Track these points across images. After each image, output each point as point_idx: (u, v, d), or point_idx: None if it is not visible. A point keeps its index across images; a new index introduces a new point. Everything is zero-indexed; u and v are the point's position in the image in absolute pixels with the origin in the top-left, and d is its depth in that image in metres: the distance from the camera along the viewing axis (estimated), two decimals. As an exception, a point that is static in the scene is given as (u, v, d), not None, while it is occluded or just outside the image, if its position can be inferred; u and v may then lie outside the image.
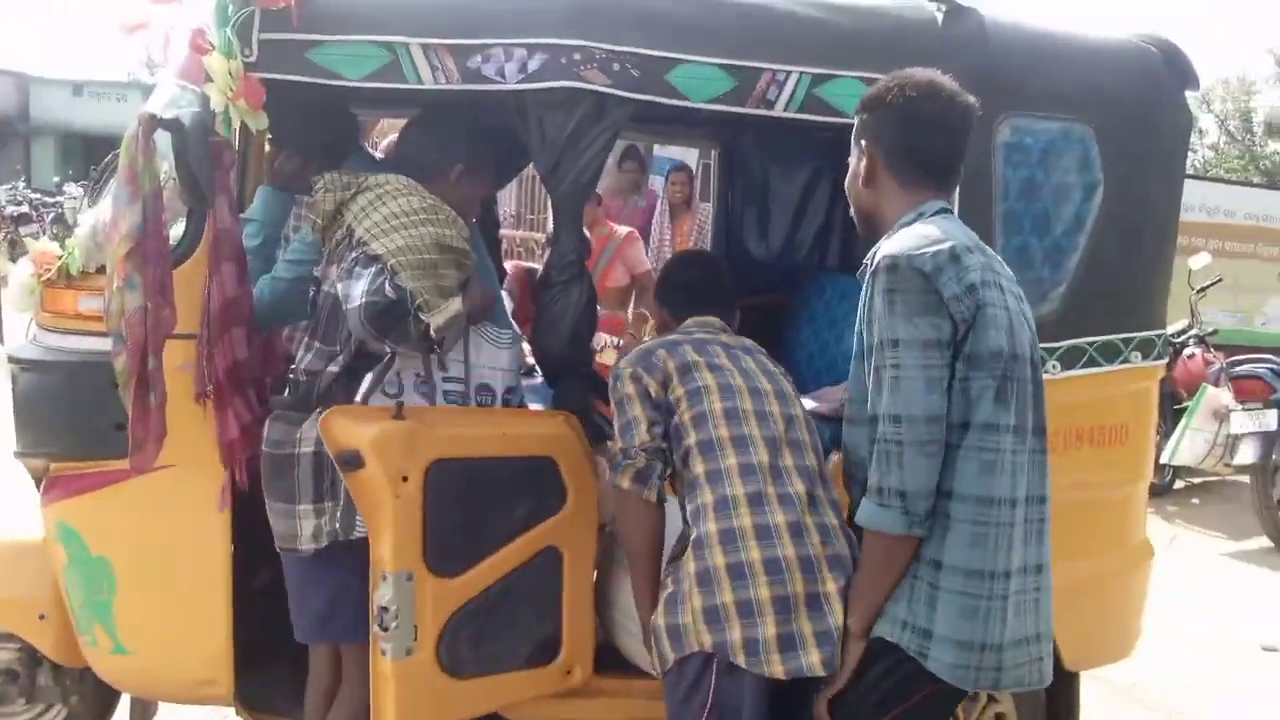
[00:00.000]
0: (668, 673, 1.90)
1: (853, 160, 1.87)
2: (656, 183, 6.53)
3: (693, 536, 1.91)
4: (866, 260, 1.77)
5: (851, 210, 1.91)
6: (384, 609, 2.02)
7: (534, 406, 2.72)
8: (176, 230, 2.28)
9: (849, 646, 1.77)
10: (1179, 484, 6.94)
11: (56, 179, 18.16)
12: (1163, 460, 5.93)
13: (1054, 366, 2.53)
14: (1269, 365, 6.27)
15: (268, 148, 2.69)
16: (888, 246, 1.70)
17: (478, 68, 2.23)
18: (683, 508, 1.99)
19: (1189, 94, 2.71)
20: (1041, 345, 1.89)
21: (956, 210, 1.91)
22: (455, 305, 2.08)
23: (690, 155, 7.57)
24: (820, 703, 1.79)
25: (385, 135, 3.90)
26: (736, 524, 1.87)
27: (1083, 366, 2.58)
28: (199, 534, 2.35)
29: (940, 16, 2.45)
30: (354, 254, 2.05)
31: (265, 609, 2.47)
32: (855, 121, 1.87)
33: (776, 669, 1.78)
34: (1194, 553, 5.66)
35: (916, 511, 1.65)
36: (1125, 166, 2.57)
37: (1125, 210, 2.59)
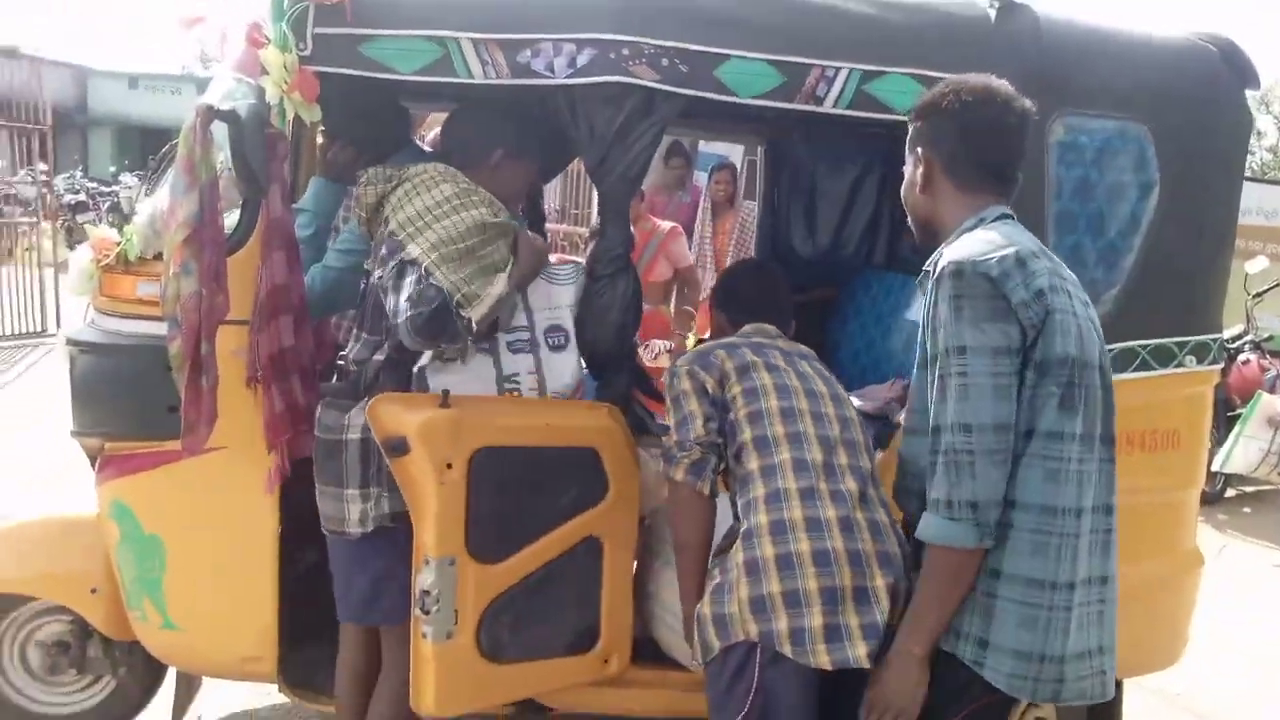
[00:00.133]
0: (711, 662, 1.90)
1: (908, 168, 1.85)
2: (701, 179, 6.50)
3: (742, 529, 1.92)
4: (927, 267, 1.75)
5: (909, 219, 1.88)
6: (426, 593, 2.05)
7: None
8: (231, 219, 2.32)
9: (909, 668, 1.69)
10: (1231, 492, 6.79)
11: (113, 169, 18.60)
12: (1214, 468, 5.81)
13: (1105, 369, 2.49)
14: (1326, 373, 6.12)
15: (320, 139, 2.73)
16: (951, 252, 1.66)
17: (527, 62, 2.25)
18: (733, 502, 2.00)
19: (1248, 94, 2.65)
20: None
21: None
22: (497, 288, 2.08)
23: (735, 152, 7.55)
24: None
25: (432, 129, 3.94)
26: (787, 516, 1.87)
27: (1135, 370, 2.54)
28: (247, 515, 2.40)
29: (993, 13, 2.43)
30: (394, 260, 2.06)
31: (310, 590, 2.52)
32: (910, 129, 1.84)
33: (822, 659, 1.78)
34: (1245, 562, 5.54)
35: (987, 523, 1.61)
36: (1182, 167, 2.52)
37: (1182, 212, 2.54)
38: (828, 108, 2.34)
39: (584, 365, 2.54)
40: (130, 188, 9.99)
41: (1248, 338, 6.51)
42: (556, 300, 2.44)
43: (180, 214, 2.05)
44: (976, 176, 1.76)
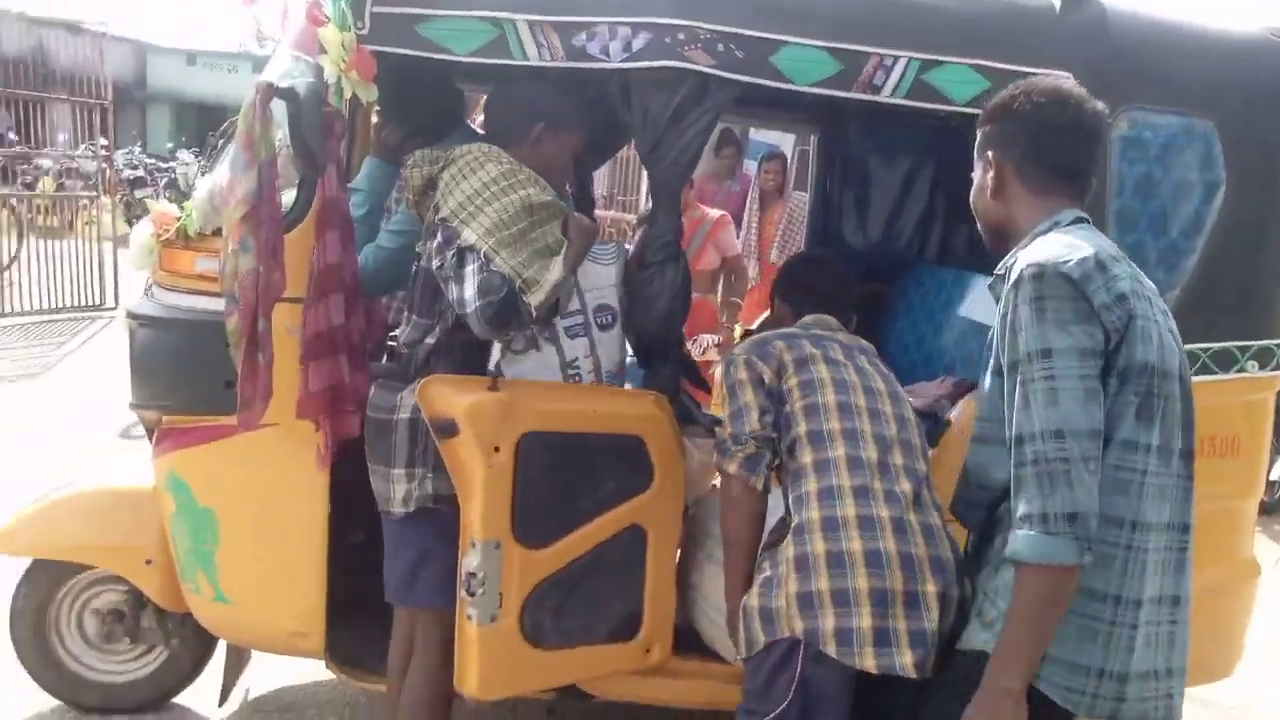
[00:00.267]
0: (753, 656, 1.89)
1: (977, 173, 1.79)
2: (750, 168, 6.46)
3: (794, 523, 1.90)
4: (999, 271, 1.70)
5: (979, 225, 1.83)
6: (472, 575, 2.07)
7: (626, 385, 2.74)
8: (288, 197, 2.35)
9: (1004, 708, 1.54)
10: (1290, 502, 6.61)
11: (170, 145, 18.94)
12: (1274, 477, 5.66)
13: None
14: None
15: (375, 119, 2.75)
16: (1028, 255, 1.60)
17: (583, 45, 2.24)
18: (785, 496, 1.98)
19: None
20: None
21: None
22: (554, 274, 2.07)
23: (786, 141, 7.48)
24: None
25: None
26: (840, 513, 1.85)
27: (1195, 374, 2.46)
28: (299, 491, 2.44)
29: (1058, 3, 2.37)
30: (452, 249, 2.06)
31: (359, 567, 2.55)
32: (978, 134, 1.79)
33: (869, 662, 1.76)
34: (1301, 573, 5.40)
35: (1087, 536, 1.51)
36: (1250, 166, 2.45)
37: (1248, 212, 2.48)
38: (885, 97, 2.31)
39: (629, 348, 2.55)
40: (187, 164, 10.20)
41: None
42: (603, 280, 2.45)
43: (239, 191, 2.08)
44: (1049, 179, 1.71)
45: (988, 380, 1.72)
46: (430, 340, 2.19)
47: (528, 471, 2.11)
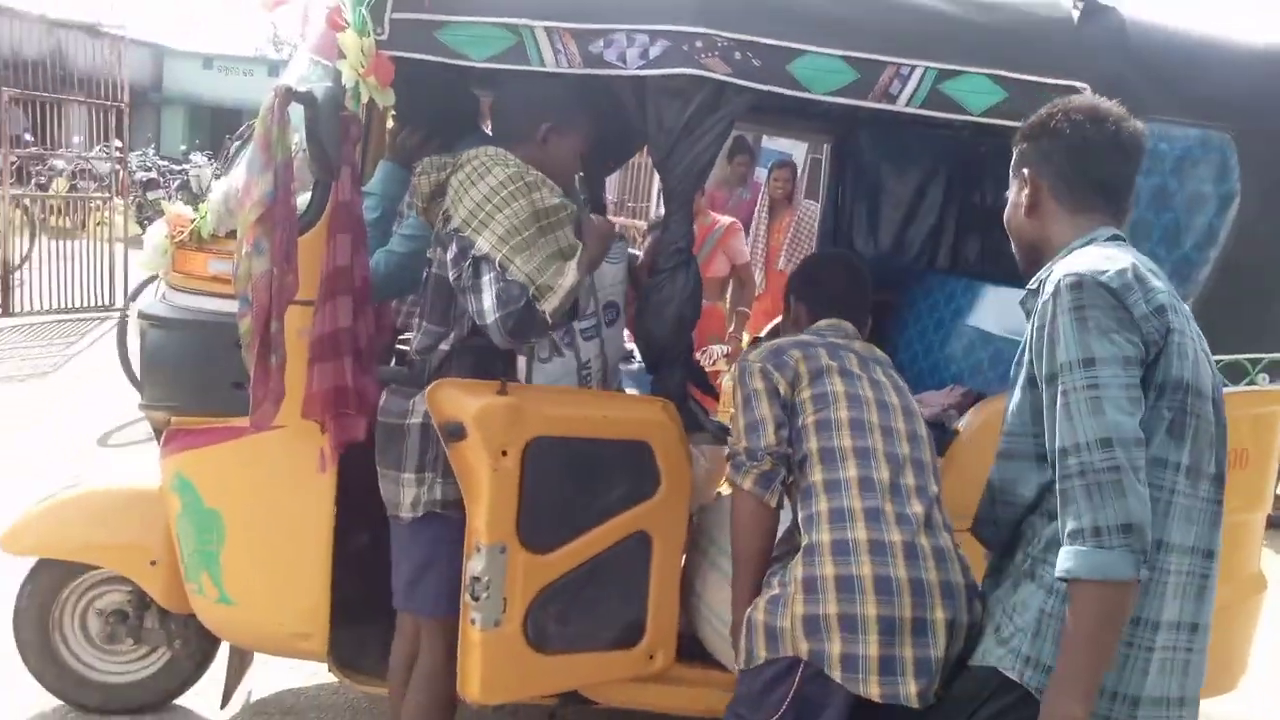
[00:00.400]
0: (751, 669, 1.88)
1: (1012, 191, 1.78)
2: (762, 175, 6.46)
3: (804, 543, 1.88)
4: (1031, 286, 1.68)
5: (1012, 244, 1.81)
6: (476, 579, 2.06)
7: (631, 391, 2.74)
8: (301, 200, 2.35)
9: None
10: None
11: (183, 148, 19.02)
12: (1281, 492, 5.62)
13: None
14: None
15: (390, 123, 2.76)
16: (1064, 266, 1.58)
17: (600, 52, 2.24)
18: (794, 510, 1.96)
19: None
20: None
21: None
22: (569, 279, 2.06)
23: (798, 149, 7.49)
24: None
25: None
26: (851, 536, 1.82)
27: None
28: (305, 493, 2.44)
29: (1076, 14, 2.37)
30: (468, 260, 2.06)
31: (363, 571, 2.55)
32: (1014, 152, 1.78)
33: (873, 690, 1.75)
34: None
35: (1143, 549, 1.45)
36: (1266, 178, 2.44)
37: (1262, 225, 2.46)
38: (900, 106, 2.30)
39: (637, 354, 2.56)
40: (200, 167, 10.24)
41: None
42: (612, 279, 2.46)
43: (255, 193, 2.08)
44: (1085, 198, 1.69)
45: (1017, 394, 1.68)
46: (444, 347, 2.19)
47: (534, 476, 2.11)
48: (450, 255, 2.10)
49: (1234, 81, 2.44)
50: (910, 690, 1.74)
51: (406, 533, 2.22)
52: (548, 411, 2.16)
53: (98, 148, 10.09)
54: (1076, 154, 1.68)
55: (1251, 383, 2.55)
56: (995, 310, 3.05)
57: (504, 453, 2.06)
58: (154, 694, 2.86)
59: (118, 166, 9.66)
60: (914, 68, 2.28)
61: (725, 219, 4.99)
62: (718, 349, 4.32)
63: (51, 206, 9.81)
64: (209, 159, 13.38)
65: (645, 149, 2.71)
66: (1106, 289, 1.51)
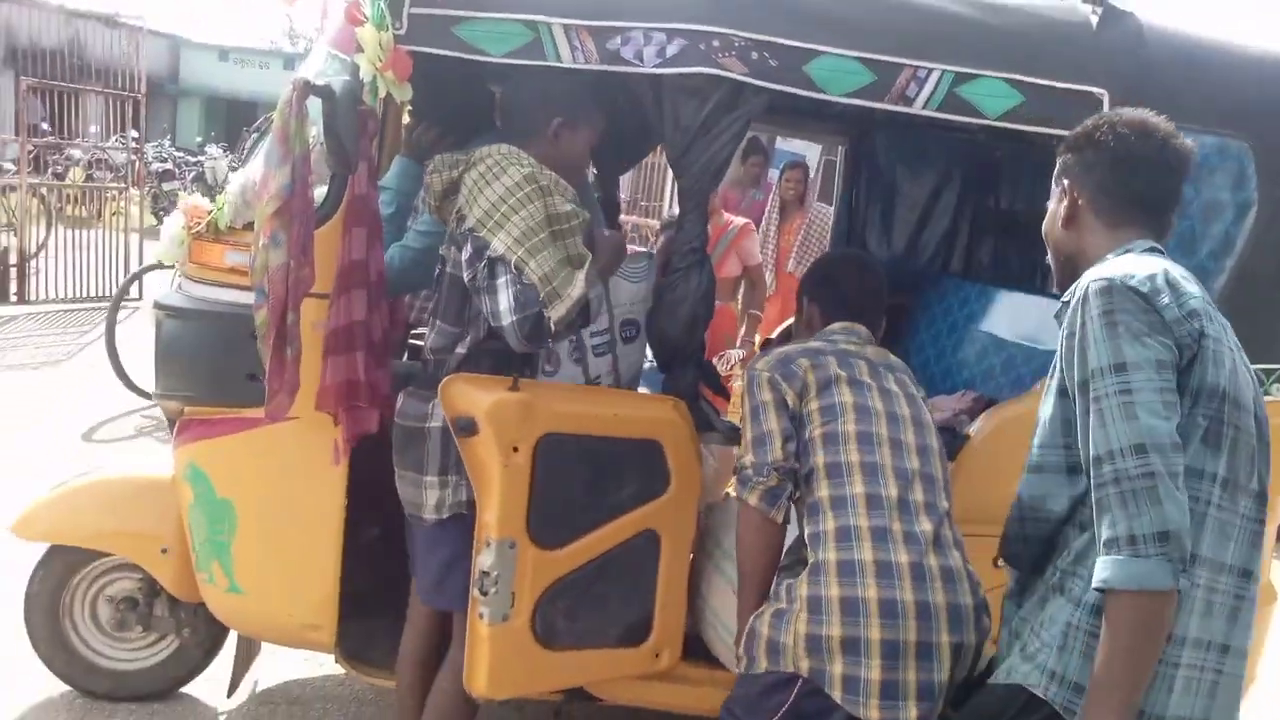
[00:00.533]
0: (750, 675, 1.89)
1: (1052, 202, 1.74)
2: (774, 176, 6.46)
3: (810, 560, 1.86)
4: (1065, 299, 1.63)
5: (1049, 255, 1.78)
6: (485, 574, 2.07)
7: (643, 390, 2.74)
8: (318, 193, 2.36)
9: None
10: (1308, 529, 6.52)
11: (199, 139, 19.09)
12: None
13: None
14: None
15: (406, 119, 2.77)
16: (1094, 273, 1.54)
17: (617, 50, 2.24)
18: (800, 524, 1.94)
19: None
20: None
21: None
22: (577, 289, 2.06)
23: (811, 151, 7.48)
24: None
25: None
26: (858, 557, 1.80)
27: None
28: (317, 485, 2.45)
29: (1095, 19, 2.36)
30: (483, 261, 2.06)
31: (372, 564, 2.56)
32: (1058, 162, 1.74)
33: (873, 713, 1.74)
34: (1320, 603, 5.32)
35: (1182, 557, 1.40)
36: (1282, 187, 2.43)
37: (1278, 233, 2.45)
38: (917, 109, 2.30)
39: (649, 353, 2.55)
40: (215, 158, 10.29)
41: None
42: (633, 296, 2.46)
43: (273, 185, 2.09)
44: (1124, 211, 1.64)
45: (1048, 406, 1.64)
46: (461, 350, 2.19)
47: (545, 472, 2.11)
48: (465, 256, 2.10)
49: (1252, 89, 2.42)
50: (911, 714, 1.73)
51: (431, 533, 2.23)
52: (559, 408, 2.17)
53: (114, 138, 10.13)
54: (1119, 167, 1.64)
55: (1267, 393, 2.53)
56: (1008, 316, 3.04)
57: (515, 448, 2.07)
58: (162, 681, 2.88)
59: (133, 157, 9.71)
60: (931, 70, 2.27)
61: (739, 220, 4.98)
62: (734, 354, 4.32)
63: (68, 196, 9.86)
64: (224, 151, 13.43)
65: (659, 148, 2.70)
66: (1136, 292, 1.47)
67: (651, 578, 2.32)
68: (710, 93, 2.27)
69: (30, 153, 8.96)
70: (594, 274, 2.12)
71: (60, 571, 2.80)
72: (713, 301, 2.46)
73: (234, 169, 2.65)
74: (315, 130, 2.20)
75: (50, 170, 10.79)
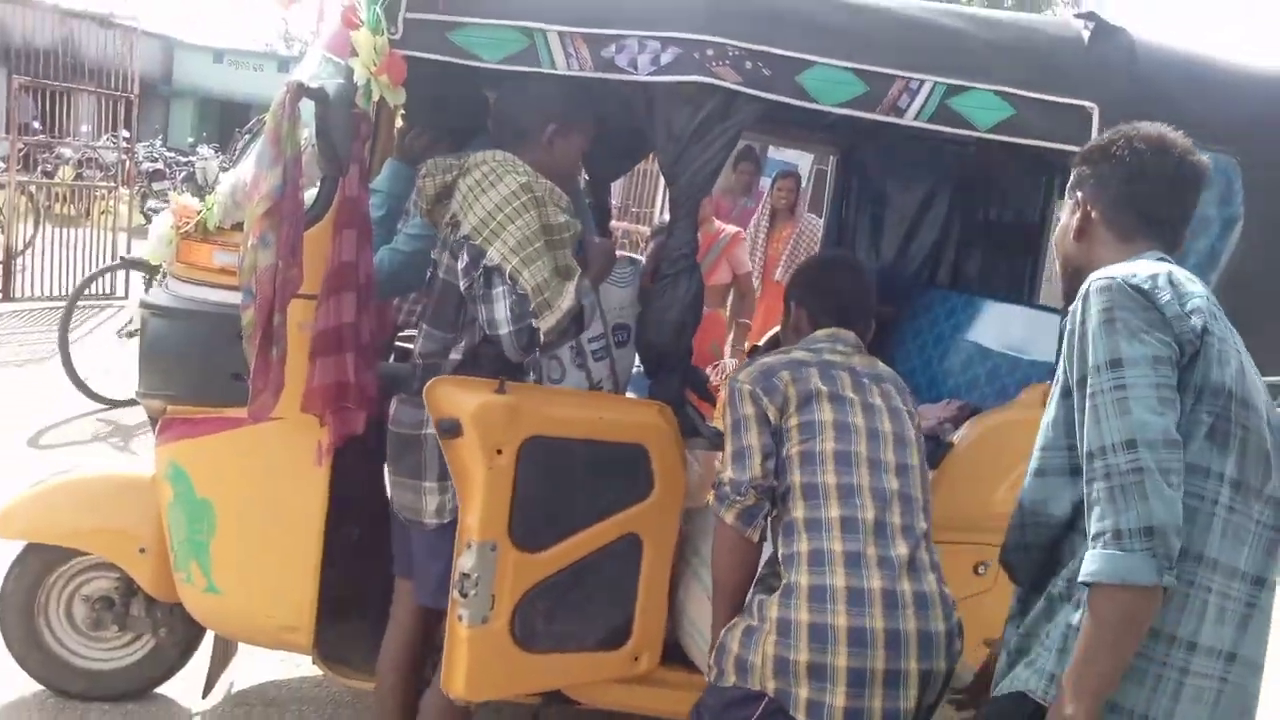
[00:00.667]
0: (719, 686, 1.90)
1: (1064, 214, 1.74)
2: (766, 184, 6.47)
3: (783, 581, 1.85)
4: (1072, 308, 1.62)
5: (1057, 266, 1.78)
6: (465, 575, 2.06)
7: (629, 394, 2.73)
8: (309, 195, 2.35)
9: None
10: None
11: (191, 140, 19.05)
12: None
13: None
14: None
15: (399, 122, 2.76)
16: (1096, 274, 1.53)
17: (611, 57, 2.25)
18: (775, 542, 1.93)
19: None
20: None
21: None
22: (568, 301, 2.07)
23: (804, 161, 7.50)
24: None
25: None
26: (829, 582, 1.79)
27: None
28: (298, 487, 2.43)
29: (1086, 34, 2.37)
30: (479, 270, 2.06)
31: (352, 565, 2.54)
32: (1072, 174, 1.74)
33: None
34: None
35: (1167, 554, 1.38)
36: (1270, 202, 2.44)
37: (1264, 249, 2.46)
38: (908, 120, 2.31)
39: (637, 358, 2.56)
40: (206, 159, 10.27)
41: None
42: (621, 301, 2.47)
43: (263, 186, 2.09)
44: (1136, 227, 1.64)
45: (1052, 408, 1.63)
46: (456, 355, 2.18)
47: (528, 475, 2.10)
48: (462, 264, 2.10)
49: (1240, 106, 2.44)
50: None
51: (432, 538, 2.21)
52: (544, 411, 2.16)
53: (105, 137, 10.10)
54: (1134, 182, 1.64)
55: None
56: (993, 326, 3.05)
57: (499, 451, 2.06)
58: (137, 681, 2.85)
59: (124, 156, 9.68)
60: (923, 82, 2.28)
61: (730, 228, 4.99)
62: (728, 364, 4.32)
63: (57, 194, 9.82)
64: (216, 152, 13.42)
65: (651, 155, 2.71)
66: (1137, 290, 1.47)
67: (632, 582, 2.31)
68: (703, 101, 2.27)
69: (20, 150, 8.92)
70: (585, 284, 2.13)
71: (36, 570, 2.77)
72: (701, 308, 2.46)
73: (225, 169, 2.64)
74: (308, 132, 2.20)
75: (40, 168, 10.76)
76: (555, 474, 2.16)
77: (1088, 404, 1.47)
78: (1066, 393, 1.57)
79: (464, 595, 2.06)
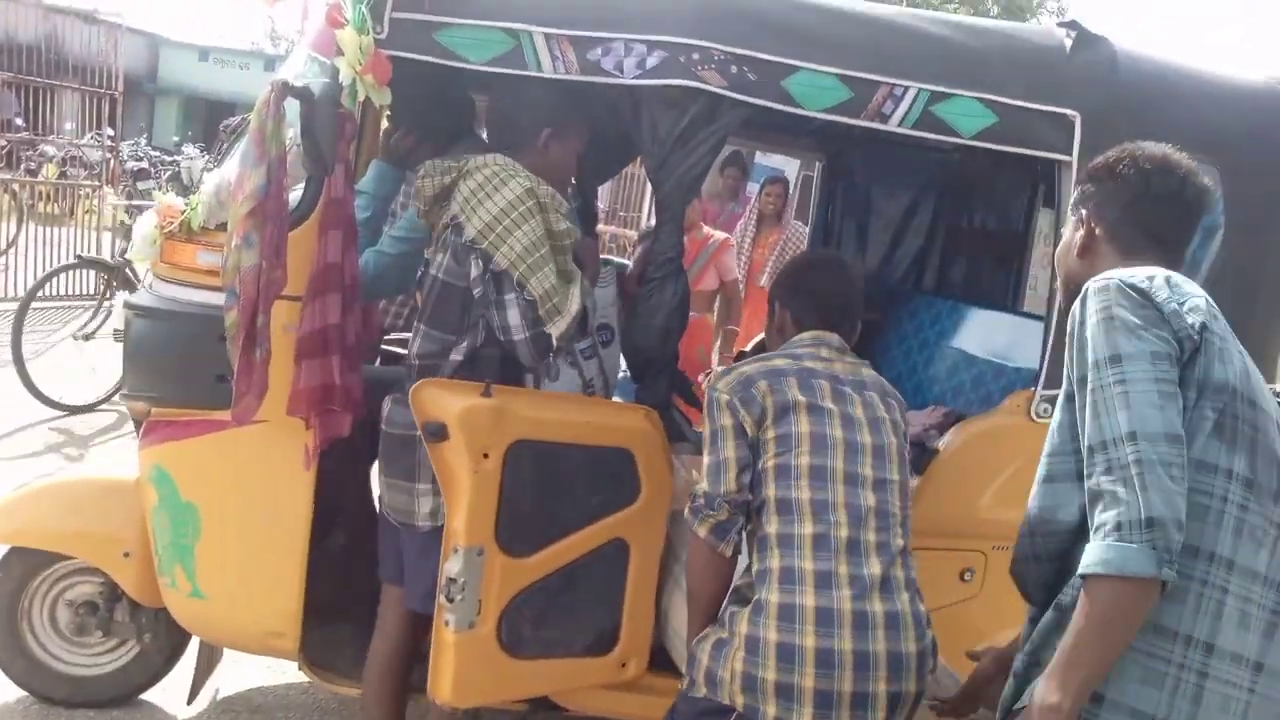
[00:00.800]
0: (690, 695, 1.91)
1: (1068, 230, 1.75)
2: (754, 190, 6.49)
3: (754, 597, 1.84)
4: (1072, 310, 1.62)
5: (1059, 282, 1.78)
6: (452, 580, 2.06)
7: (616, 399, 2.74)
8: (294, 195, 2.35)
9: None
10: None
11: (176, 138, 18.95)
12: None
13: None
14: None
15: (384, 123, 2.76)
16: (1096, 277, 1.54)
17: (597, 60, 2.25)
18: (750, 554, 1.92)
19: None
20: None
21: None
22: (575, 304, 2.09)
23: (790, 167, 7.52)
24: None
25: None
26: (799, 601, 1.78)
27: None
28: (283, 491, 2.42)
29: (1069, 43, 2.39)
30: (488, 275, 2.07)
31: (338, 571, 2.53)
32: (1076, 191, 1.75)
33: None
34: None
35: (1168, 547, 1.35)
36: (1249, 211, 2.47)
37: (1244, 257, 2.49)
38: (893, 126, 2.32)
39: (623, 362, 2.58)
40: (191, 158, 10.21)
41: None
42: (603, 301, 2.50)
43: (247, 186, 2.08)
44: (1139, 245, 1.64)
45: (1058, 412, 1.62)
46: (457, 356, 2.18)
47: (515, 479, 2.11)
48: (474, 274, 2.11)
49: (1221, 115, 2.47)
50: None
51: (425, 540, 2.21)
52: (531, 415, 2.16)
53: (89, 135, 10.03)
54: (1137, 201, 1.64)
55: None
56: (978, 332, 3.07)
57: (485, 455, 2.06)
58: (121, 687, 2.83)
59: (108, 155, 9.62)
60: (907, 89, 2.30)
61: (719, 234, 5.01)
62: (718, 370, 4.34)
63: (40, 192, 9.74)
64: (201, 151, 13.35)
65: (638, 159, 2.71)
66: (1134, 289, 1.48)
67: (619, 587, 2.32)
68: (689, 105, 2.28)
69: (3, 148, 8.86)
70: (587, 287, 2.16)
71: (19, 574, 2.75)
72: (686, 312, 2.46)
73: (209, 169, 2.63)
74: (292, 132, 2.19)
75: (23, 166, 10.67)
76: (542, 478, 2.16)
77: (1089, 401, 1.47)
78: (1070, 396, 1.56)
79: (450, 600, 2.06)
